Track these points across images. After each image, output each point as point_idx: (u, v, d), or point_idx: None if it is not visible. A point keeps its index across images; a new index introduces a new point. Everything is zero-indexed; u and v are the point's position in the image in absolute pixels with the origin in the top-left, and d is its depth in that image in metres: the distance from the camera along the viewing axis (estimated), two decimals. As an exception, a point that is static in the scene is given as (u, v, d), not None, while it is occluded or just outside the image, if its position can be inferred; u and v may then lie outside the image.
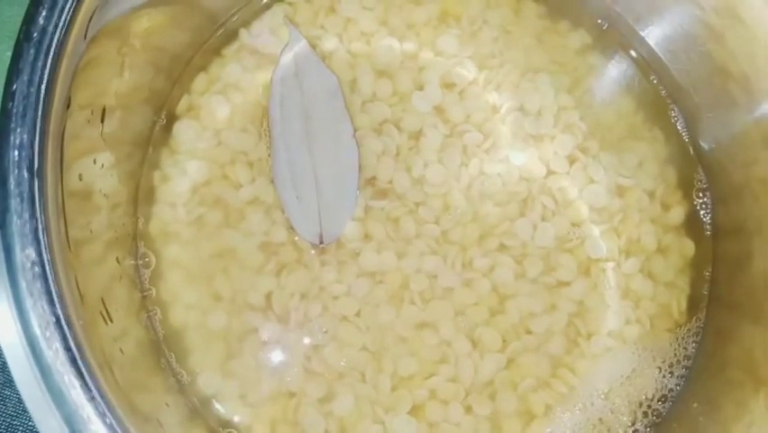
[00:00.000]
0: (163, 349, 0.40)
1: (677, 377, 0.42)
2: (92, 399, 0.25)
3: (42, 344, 0.26)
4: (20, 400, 0.43)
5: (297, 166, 0.41)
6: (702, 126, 0.44)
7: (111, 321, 0.32)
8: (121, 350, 0.33)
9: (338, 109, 0.42)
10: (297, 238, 0.41)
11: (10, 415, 0.43)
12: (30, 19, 0.27)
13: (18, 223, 0.26)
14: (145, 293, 0.41)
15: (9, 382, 0.43)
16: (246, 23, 0.44)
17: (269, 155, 0.42)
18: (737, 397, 0.38)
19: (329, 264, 0.41)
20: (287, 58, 0.43)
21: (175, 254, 0.41)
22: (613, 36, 0.46)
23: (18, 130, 0.26)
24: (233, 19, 0.44)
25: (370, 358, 0.41)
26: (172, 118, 0.43)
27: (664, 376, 0.42)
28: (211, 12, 0.43)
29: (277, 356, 0.41)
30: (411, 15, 0.44)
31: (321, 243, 0.41)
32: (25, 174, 0.26)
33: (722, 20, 0.39)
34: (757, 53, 0.37)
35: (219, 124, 0.43)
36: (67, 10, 0.27)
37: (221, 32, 0.44)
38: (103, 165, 0.35)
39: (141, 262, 0.41)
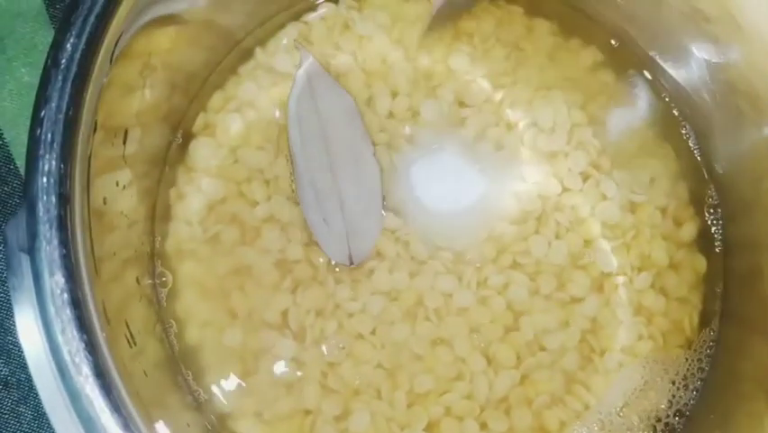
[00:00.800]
0: (180, 367, 0.41)
1: (691, 391, 0.43)
2: (124, 425, 0.25)
3: (72, 370, 0.26)
4: (34, 418, 0.43)
5: (320, 188, 0.41)
6: (713, 143, 0.44)
7: (135, 344, 0.33)
8: (144, 372, 0.33)
9: (357, 129, 0.42)
10: (313, 256, 0.42)
11: (25, 432, 0.43)
12: (57, 45, 0.27)
13: (47, 249, 0.26)
14: (162, 311, 0.41)
15: (24, 399, 0.43)
16: (261, 42, 0.44)
17: (293, 179, 0.42)
18: (751, 410, 0.39)
19: (344, 282, 0.41)
20: (301, 77, 0.43)
21: (191, 272, 0.42)
22: (625, 54, 0.46)
23: (47, 156, 0.26)
24: (249, 38, 0.44)
25: (386, 375, 0.41)
26: (188, 136, 0.43)
27: (678, 391, 0.42)
28: (227, 31, 0.43)
29: (293, 374, 0.41)
30: (424, 33, 0.45)
31: (351, 263, 0.41)
32: (54, 200, 0.26)
33: (731, 39, 0.39)
34: (766, 71, 0.37)
35: (235, 142, 0.43)
36: (95, 36, 0.28)
37: (237, 50, 0.44)
38: (123, 186, 0.35)
39: (158, 281, 0.41)
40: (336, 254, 0.41)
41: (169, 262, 0.41)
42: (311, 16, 0.44)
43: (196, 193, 0.42)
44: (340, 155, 0.42)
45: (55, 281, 0.26)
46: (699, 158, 0.45)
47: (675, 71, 0.45)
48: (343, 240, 0.41)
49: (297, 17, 0.44)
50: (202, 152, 0.43)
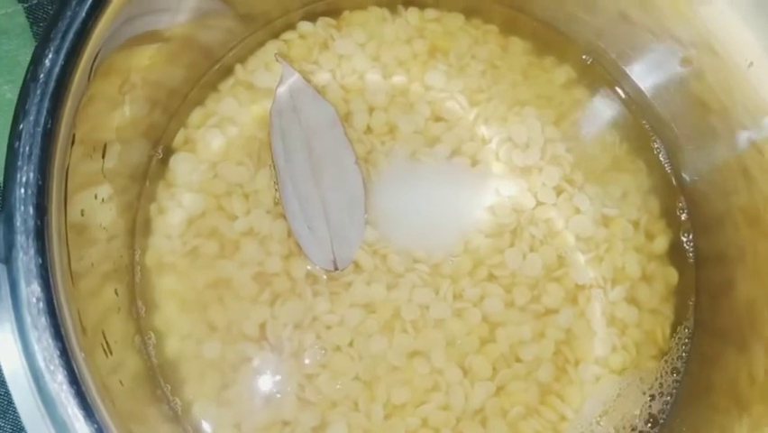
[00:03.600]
0: (159, 379, 0.41)
1: (663, 403, 0.43)
2: (96, 430, 0.26)
3: (47, 376, 0.26)
4: (14, 431, 0.43)
5: (304, 197, 0.42)
6: (684, 158, 0.45)
7: (111, 353, 0.33)
8: (120, 382, 0.33)
9: (339, 138, 0.43)
10: (292, 269, 0.42)
11: (4, 445, 0.43)
12: (37, 60, 0.28)
13: (24, 259, 0.27)
14: (141, 324, 0.41)
15: (2, 413, 0.43)
16: (242, 59, 0.45)
17: (277, 189, 0.43)
18: (722, 422, 0.39)
19: (322, 295, 0.42)
20: (282, 92, 0.44)
21: (170, 285, 0.42)
22: (597, 71, 0.47)
23: (25, 168, 0.27)
24: (229, 55, 0.45)
25: (363, 387, 0.41)
26: (169, 152, 0.44)
27: (651, 402, 0.43)
28: (208, 48, 0.44)
29: (271, 386, 0.41)
30: (401, 51, 0.46)
31: (336, 269, 0.42)
32: (31, 211, 0.27)
33: (700, 55, 0.40)
34: (734, 87, 0.38)
35: (215, 157, 0.43)
36: (73, 52, 0.28)
37: (217, 67, 0.45)
38: (102, 199, 0.36)
39: (137, 293, 0.41)
40: (321, 261, 0.42)
41: (149, 275, 0.42)
42: (290, 35, 0.45)
43: (176, 208, 0.43)
44: (323, 164, 0.43)
45: (31, 291, 0.27)
46: (669, 172, 0.46)
47: (647, 88, 0.46)
48: (327, 246, 0.42)
49: (276, 35, 0.45)
50: (182, 167, 0.43)
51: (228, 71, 0.45)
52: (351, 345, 0.42)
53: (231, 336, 0.41)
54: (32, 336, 0.26)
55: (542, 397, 0.42)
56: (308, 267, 0.42)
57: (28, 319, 0.26)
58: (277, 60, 0.45)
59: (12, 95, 0.46)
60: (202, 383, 0.41)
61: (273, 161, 0.43)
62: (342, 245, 0.42)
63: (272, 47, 0.45)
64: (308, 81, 0.44)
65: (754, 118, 0.38)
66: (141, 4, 0.33)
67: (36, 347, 0.26)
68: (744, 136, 0.39)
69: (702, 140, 0.43)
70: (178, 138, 0.44)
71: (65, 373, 0.26)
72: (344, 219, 0.42)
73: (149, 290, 0.42)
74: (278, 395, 0.41)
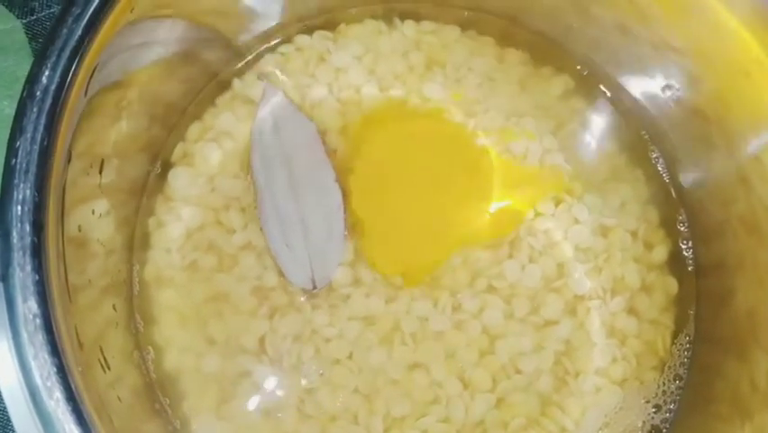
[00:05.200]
0: (157, 394, 0.41)
1: (665, 412, 0.43)
2: (93, 447, 0.26)
3: (44, 393, 0.26)
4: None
5: (283, 215, 0.42)
6: (682, 167, 0.45)
7: (109, 369, 0.33)
8: (118, 397, 0.33)
9: (319, 156, 0.43)
10: (290, 282, 0.42)
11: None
12: (33, 78, 0.28)
13: (21, 276, 0.27)
14: (140, 338, 0.41)
15: (1, 429, 0.43)
16: (239, 74, 0.45)
17: (256, 207, 0.43)
18: (725, 431, 0.39)
19: (320, 308, 0.42)
20: (264, 111, 0.44)
21: (169, 299, 0.42)
22: (594, 81, 0.47)
23: (21, 185, 0.27)
24: (227, 69, 0.45)
25: (363, 400, 0.41)
26: (167, 166, 0.44)
27: (653, 413, 0.43)
28: (206, 63, 0.44)
29: (270, 399, 0.41)
30: (398, 64, 0.46)
31: (314, 288, 0.42)
32: (28, 228, 0.27)
33: (697, 66, 0.40)
34: (731, 96, 0.38)
35: (213, 171, 0.44)
36: (69, 69, 0.29)
37: (215, 82, 0.45)
38: (100, 214, 0.36)
39: (136, 308, 0.41)
40: (299, 279, 0.42)
41: (147, 289, 0.42)
42: (287, 48, 0.46)
43: (174, 221, 0.43)
44: (303, 182, 0.43)
45: (28, 307, 0.27)
46: (668, 182, 0.46)
47: (645, 98, 0.46)
48: (306, 265, 0.42)
49: (273, 49, 0.46)
50: (181, 181, 0.43)
51: (226, 86, 0.45)
52: (350, 357, 0.42)
53: (230, 350, 0.41)
54: (29, 352, 0.26)
55: (542, 408, 0.42)
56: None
57: (25, 336, 0.26)
58: (258, 79, 0.45)
59: (10, 110, 0.46)
60: (201, 397, 0.41)
61: (253, 179, 0.43)
62: (320, 264, 0.42)
63: (270, 60, 0.45)
64: (305, 95, 0.44)
65: (752, 127, 0.38)
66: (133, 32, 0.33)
67: (33, 364, 0.26)
68: (742, 145, 0.39)
69: (700, 149, 0.43)
70: (177, 152, 0.44)
71: (62, 389, 0.26)
72: (324, 238, 0.42)
73: (147, 304, 0.42)
74: (278, 409, 0.41)
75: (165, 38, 0.38)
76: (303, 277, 0.42)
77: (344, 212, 0.43)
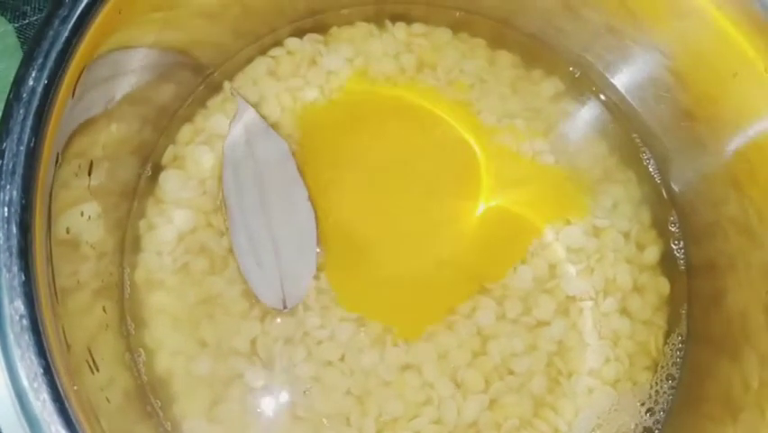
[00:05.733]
0: (149, 396, 0.41)
1: (657, 413, 0.43)
2: (79, 449, 0.26)
3: (30, 395, 0.26)
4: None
5: (254, 233, 0.42)
6: (673, 168, 0.45)
7: (97, 370, 0.33)
8: (107, 399, 0.33)
9: (291, 174, 0.43)
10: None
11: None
12: (20, 80, 0.28)
13: (7, 276, 0.27)
14: (131, 341, 0.41)
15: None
16: (230, 76, 0.45)
17: (227, 226, 0.42)
18: (717, 432, 0.39)
19: (312, 309, 0.42)
20: (236, 127, 0.44)
21: (160, 302, 0.42)
22: (585, 83, 0.47)
23: (8, 187, 0.27)
24: (218, 72, 0.45)
25: (355, 402, 0.41)
26: (158, 169, 0.44)
27: (645, 413, 0.43)
28: (196, 65, 0.44)
29: (262, 402, 0.41)
30: (389, 66, 0.46)
31: (285, 307, 0.41)
32: (14, 229, 0.27)
33: (686, 67, 0.40)
34: (720, 97, 0.39)
35: (204, 173, 0.44)
36: (56, 71, 0.29)
37: (206, 84, 0.45)
38: (89, 216, 0.36)
39: (126, 310, 0.41)
40: (269, 299, 0.42)
41: (139, 292, 0.42)
42: (278, 51, 0.46)
43: (166, 224, 0.43)
44: (274, 200, 0.43)
45: (14, 308, 0.27)
46: (659, 183, 0.46)
47: (634, 99, 0.46)
48: (277, 284, 0.41)
49: (263, 52, 0.46)
50: (172, 183, 0.43)
51: (217, 88, 0.45)
52: (342, 359, 0.41)
53: (221, 353, 0.41)
54: (16, 353, 0.26)
55: (535, 409, 0.42)
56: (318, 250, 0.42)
57: (11, 337, 0.26)
58: (232, 95, 0.45)
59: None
60: (193, 400, 0.41)
61: (223, 197, 0.43)
62: (292, 283, 0.42)
63: (260, 63, 0.45)
64: (296, 98, 0.44)
65: (741, 127, 0.38)
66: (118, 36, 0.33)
67: (19, 365, 0.26)
68: (731, 145, 0.39)
69: (690, 150, 0.43)
70: (168, 155, 0.44)
71: (49, 390, 0.26)
72: (295, 256, 0.42)
73: (138, 306, 0.42)
74: (270, 411, 0.41)
75: (154, 41, 0.38)
76: (273, 296, 0.42)
77: (317, 231, 0.42)
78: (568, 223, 0.44)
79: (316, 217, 0.43)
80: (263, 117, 0.44)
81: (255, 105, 0.44)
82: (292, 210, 0.42)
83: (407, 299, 0.43)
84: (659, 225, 0.46)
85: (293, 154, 0.43)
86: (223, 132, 0.44)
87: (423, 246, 0.44)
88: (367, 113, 0.45)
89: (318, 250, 0.42)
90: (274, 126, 0.44)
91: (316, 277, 0.42)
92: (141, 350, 0.41)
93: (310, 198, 0.43)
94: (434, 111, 0.45)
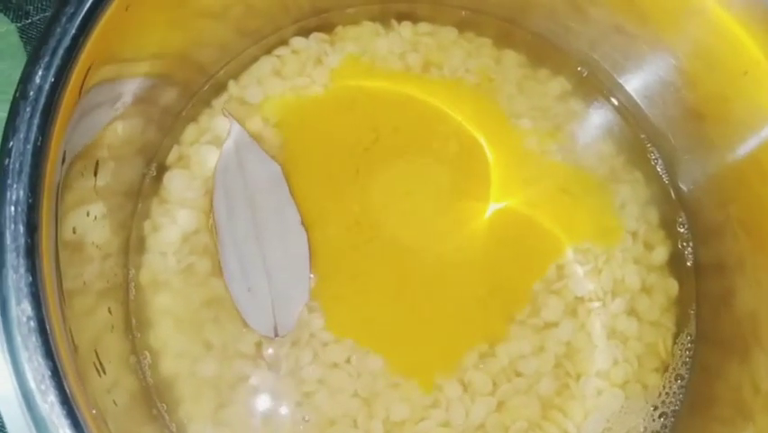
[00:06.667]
0: (154, 398, 0.40)
1: (667, 415, 0.43)
2: (88, 452, 0.25)
3: (37, 397, 0.26)
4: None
5: (246, 258, 0.41)
6: (681, 168, 0.45)
7: (104, 372, 0.32)
8: (114, 401, 0.33)
9: (283, 197, 0.42)
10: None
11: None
12: (27, 78, 0.28)
13: (14, 277, 0.26)
14: (136, 343, 0.41)
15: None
16: (234, 75, 0.45)
17: (217, 250, 0.42)
18: (727, 434, 0.39)
19: (318, 311, 0.42)
20: (229, 148, 0.43)
21: (165, 303, 0.42)
22: (592, 83, 0.47)
23: (15, 186, 0.27)
24: (222, 71, 0.45)
25: (362, 404, 0.41)
26: (163, 169, 0.43)
27: (654, 415, 0.43)
28: (201, 65, 0.44)
29: (268, 404, 0.41)
30: (394, 65, 0.46)
31: (276, 335, 0.41)
32: (21, 229, 0.27)
33: (695, 66, 0.40)
34: (730, 96, 0.38)
35: (208, 174, 0.43)
36: (63, 69, 0.28)
37: (210, 83, 0.45)
38: (95, 217, 0.36)
39: (132, 312, 0.41)
40: (260, 326, 0.41)
41: (143, 293, 0.42)
42: (283, 50, 0.45)
43: (170, 225, 0.42)
44: (266, 224, 0.42)
45: (22, 309, 0.26)
46: (667, 183, 0.46)
47: (642, 99, 0.46)
48: (269, 310, 0.41)
49: (268, 51, 0.45)
50: (176, 183, 0.43)
51: (221, 87, 0.45)
52: (348, 361, 0.41)
53: (227, 355, 0.41)
54: (23, 355, 0.26)
55: (543, 412, 0.42)
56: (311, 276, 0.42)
57: (18, 339, 0.26)
58: (224, 115, 0.44)
59: (5, 114, 0.46)
60: (198, 403, 0.41)
61: (213, 220, 0.42)
62: (283, 309, 0.41)
63: (266, 62, 0.45)
64: (301, 96, 0.44)
65: (750, 127, 0.38)
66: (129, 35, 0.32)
67: (27, 367, 0.26)
68: (740, 145, 0.39)
69: (699, 150, 0.43)
70: (172, 155, 0.44)
71: (56, 393, 0.26)
72: (287, 281, 0.41)
73: (143, 308, 0.41)
74: (276, 414, 0.40)
75: (160, 39, 0.38)
76: (265, 323, 0.41)
77: (309, 256, 0.42)
78: (576, 223, 0.44)
79: (309, 241, 0.42)
80: (265, 119, 0.44)
81: (259, 105, 0.44)
82: (284, 234, 0.42)
83: (406, 333, 0.42)
84: (667, 226, 0.45)
85: (285, 177, 0.43)
86: (227, 132, 0.44)
87: (428, 264, 0.43)
88: (370, 112, 0.45)
89: (312, 275, 0.42)
90: (275, 128, 0.44)
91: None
92: (146, 352, 0.41)
93: (303, 223, 0.42)
94: (441, 110, 0.45)
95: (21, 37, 0.47)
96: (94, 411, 0.27)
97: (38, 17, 0.47)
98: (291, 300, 0.41)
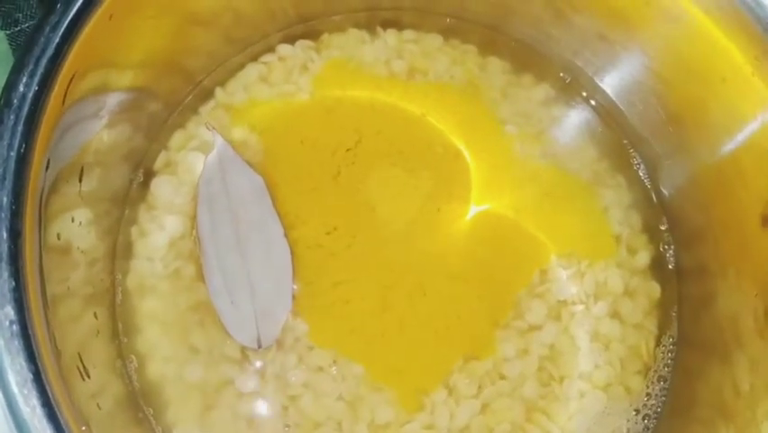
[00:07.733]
0: (140, 403, 0.41)
1: (649, 417, 0.43)
2: (69, 455, 0.26)
3: (20, 401, 0.26)
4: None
5: (229, 271, 0.41)
6: (663, 172, 0.46)
7: (88, 377, 0.33)
8: (98, 405, 0.33)
9: (266, 210, 0.42)
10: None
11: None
12: (11, 86, 0.28)
13: (-3, 282, 0.27)
14: (122, 347, 0.41)
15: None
16: (221, 82, 0.46)
17: (201, 263, 0.42)
18: (708, 436, 0.39)
19: (303, 315, 0.42)
20: (212, 161, 0.43)
21: (152, 308, 0.42)
22: (575, 88, 0.47)
23: (-2, 192, 0.27)
24: (209, 78, 0.46)
25: (347, 407, 0.41)
26: (150, 175, 0.44)
27: (636, 417, 0.43)
28: (188, 72, 0.44)
29: (254, 408, 0.41)
30: (380, 72, 0.46)
31: (259, 346, 0.41)
32: (5, 235, 0.27)
33: (675, 71, 0.41)
34: (707, 100, 0.39)
35: (195, 180, 0.44)
36: (47, 77, 0.29)
37: (197, 91, 0.45)
38: (80, 222, 0.36)
39: (118, 316, 0.41)
40: (243, 338, 0.41)
41: (130, 298, 0.42)
42: (269, 57, 0.46)
43: (157, 230, 0.43)
44: (249, 237, 0.42)
45: (5, 313, 0.27)
46: (649, 187, 0.46)
47: (624, 104, 0.46)
48: (252, 322, 0.41)
49: (255, 58, 0.46)
50: (163, 189, 0.43)
51: (208, 94, 0.45)
52: (333, 365, 0.41)
53: (213, 359, 0.41)
54: (6, 359, 0.26)
55: (527, 414, 0.42)
56: (294, 286, 0.42)
57: (1, 342, 0.26)
58: (207, 128, 0.44)
59: (-6, 121, 0.46)
60: (184, 406, 0.41)
61: (197, 232, 0.42)
62: (266, 321, 0.41)
63: (252, 69, 0.46)
64: (287, 103, 0.44)
65: (729, 132, 0.38)
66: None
67: (9, 371, 0.26)
68: (720, 149, 0.40)
69: (680, 154, 0.44)
70: (159, 161, 0.44)
71: (38, 396, 0.26)
72: (270, 293, 0.42)
73: (130, 313, 0.42)
74: (262, 417, 0.41)
75: (146, 48, 0.38)
76: (248, 335, 0.41)
77: (292, 268, 0.42)
78: (560, 227, 0.45)
79: (292, 254, 0.42)
80: (251, 126, 0.44)
81: (245, 112, 0.44)
82: (268, 247, 0.42)
83: (389, 342, 0.42)
84: (649, 230, 0.46)
85: (268, 189, 0.43)
86: (214, 138, 0.44)
87: (411, 270, 0.43)
88: (355, 118, 0.45)
89: (294, 286, 0.42)
90: (260, 135, 0.44)
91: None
92: (132, 356, 0.41)
93: (286, 235, 0.42)
94: (425, 117, 0.45)
95: (10, 44, 0.47)
96: (77, 415, 0.28)
97: (27, 25, 0.48)
98: (274, 312, 0.41)
